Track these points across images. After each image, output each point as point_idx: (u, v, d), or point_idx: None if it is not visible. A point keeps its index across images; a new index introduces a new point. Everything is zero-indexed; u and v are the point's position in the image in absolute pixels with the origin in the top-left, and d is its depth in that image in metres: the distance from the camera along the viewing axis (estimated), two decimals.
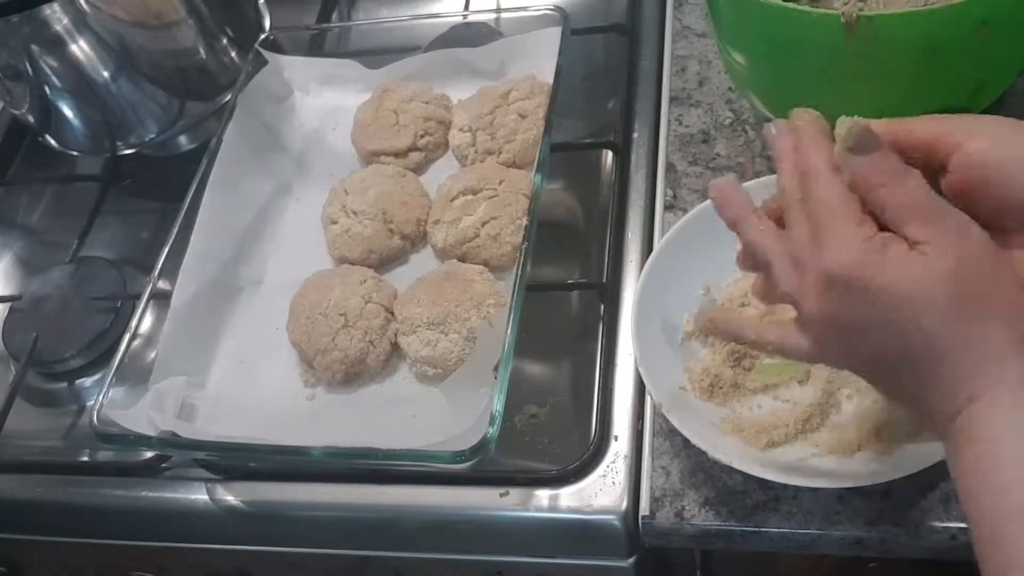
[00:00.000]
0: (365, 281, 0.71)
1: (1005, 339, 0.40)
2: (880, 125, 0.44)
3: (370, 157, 0.82)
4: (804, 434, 0.57)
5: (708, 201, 0.64)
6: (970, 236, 0.40)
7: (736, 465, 0.54)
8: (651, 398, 0.61)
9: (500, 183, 0.74)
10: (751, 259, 0.47)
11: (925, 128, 0.44)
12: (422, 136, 0.81)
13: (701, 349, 0.62)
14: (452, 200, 0.74)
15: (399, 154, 0.81)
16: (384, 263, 0.76)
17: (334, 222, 0.76)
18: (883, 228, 0.41)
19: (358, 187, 0.77)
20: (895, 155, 0.41)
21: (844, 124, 0.41)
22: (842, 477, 0.54)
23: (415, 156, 0.81)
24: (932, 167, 0.45)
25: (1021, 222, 0.43)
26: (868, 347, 0.42)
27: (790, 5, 0.57)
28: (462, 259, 0.72)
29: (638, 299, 0.61)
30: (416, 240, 0.77)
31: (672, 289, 0.63)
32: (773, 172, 0.68)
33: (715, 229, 0.64)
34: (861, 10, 0.55)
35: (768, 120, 0.68)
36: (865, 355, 0.43)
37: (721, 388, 0.59)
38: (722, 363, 0.60)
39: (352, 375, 0.69)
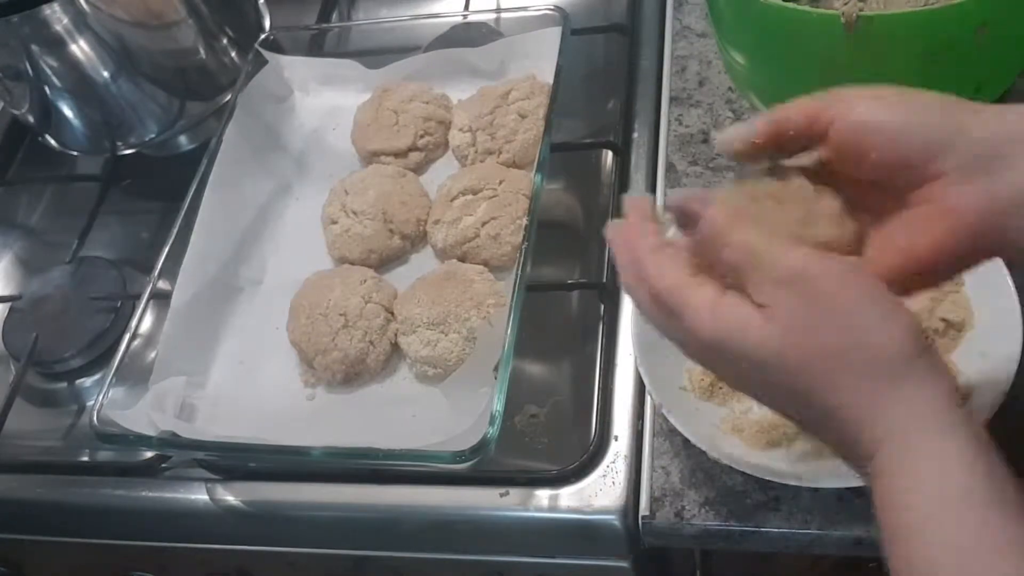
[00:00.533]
0: (365, 281, 0.71)
1: (872, 389, 0.38)
2: (759, 122, 0.44)
3: (370, 157, 0.82)
4: (803, 434, 0.57)
5: None
6: (805, 280, 0.38)
7: (736, 465, 0.54)
8: (651, 398, 0.61)
9: (500, 183, 0.74)
10: None
11: (798, 111, 0.44)
12: (422, 136, 0.81)
13: None
14: (452, 200, 0.74)
15: (399, 154, 0.81)
16: (384, 263, 0.76)
17: (334, 222, 0.76)
18: None
19: (358, 187, 0.77)
20: (715, 218, 0.40)
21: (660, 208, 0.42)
22: (842, 477, 0.54)
23: (415, 156, 0.81)
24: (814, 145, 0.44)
25: (908, 180, 0.42)
26: (769, 401, 0.42)
27: (790, 5, 0.57)
28: (462, 259, 0.72)
29: None
30: (416, 240, 0.77)
31: None
32: None
33: None
34: (861, 10, 0.55)
35: None
36: (773, 406, 0.43)
37: (721, 388, 0.59)
38: None
39: (352, 375, 0.69)
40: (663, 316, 0.42)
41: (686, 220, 0.42)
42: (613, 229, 0.45)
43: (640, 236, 0.43)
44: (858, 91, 0.44)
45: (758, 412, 0.59)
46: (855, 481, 0.53)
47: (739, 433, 0.57)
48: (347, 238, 0.75)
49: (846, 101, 0.43)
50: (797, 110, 0.44)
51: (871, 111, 0.43)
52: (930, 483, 0.37)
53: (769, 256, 0.39)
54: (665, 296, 0.41)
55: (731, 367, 0.41)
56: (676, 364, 0.61)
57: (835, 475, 0.54)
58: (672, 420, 0.56)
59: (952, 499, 0.36)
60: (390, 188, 0.76)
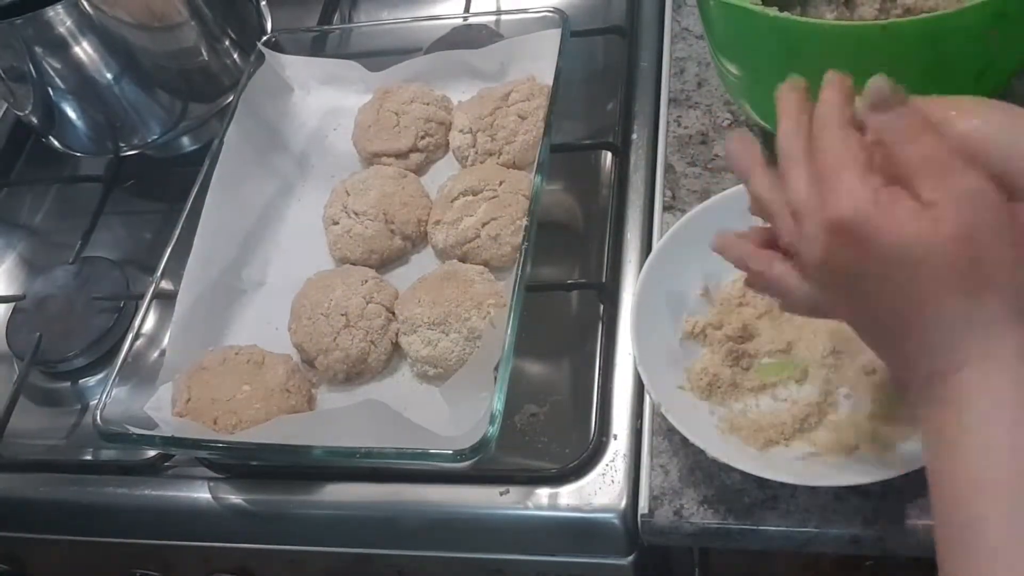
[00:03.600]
0: (366, 281, 0.72)
1: (1003, 310, 0.39)
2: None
3: (371, 158, 0.82)
4: (802, 433, 0.57)
5: (707, 202, 0.65)
6: (983, 200, 0.39)
7: (734, 464, 0.54)
8: (650, 397, 0.61)
9: (500, 184, 0.74)
10: (757, 209, 0.47)
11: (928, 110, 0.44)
12: (422, 137, 0.81)
13: (700, 348, 0.62)
14: (453, 201, 0.74)
15: (400, 155, 0.81)
16: (385, 264, 0.76)
17: (335, 223, 0.77)
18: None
19: (359, 188, 0.77)
20: (916, 112, 0.41)
21: (869, 83, 0.42)
22: (840, 476, 0.54)
23: (416, 157, 0.81)
24: None
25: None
26: (860, 297, 0.42)
27: (783, 15, 0.57)
28: (462, 259, 0.73)
29: (637, 299, 0.62)
30: (417, 241, 0.77)
31: (671, 289, 0.63)
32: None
33: (714, 229, 0.64)
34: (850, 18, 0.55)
35: (763, 126, 0.69)
36: (857, 305, 0.43)
37: (719, 387, 0.60)
38: (720, 362, 0.61)
39: (353, 374, 0.70)
40: (809, 180, 0.42)
41: (879, 104, 0.41)
42: (787, 85, 0.45)
43: (837, 106, 0.43)
44: (984, 105, 0.43)
45: (756, 411, 0.59)
46: (852, 480, 0.53)
47: (737, 432, 0.57)
48: (348, 239, 0.76)
49: (967, 110, 0.43)
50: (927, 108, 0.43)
51: (990, 124, 0.42)
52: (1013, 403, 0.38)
53: (960, 165, 0.40)
54: (832, 162, 0.41)
55: (850, 252, 0.41)
56: (675, 363, 0.61)
57: (833, 474, 0.54)
58: (671, 419, 0.56)
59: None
60: (391, 189, 0.77)
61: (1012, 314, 0.39)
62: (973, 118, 0.42)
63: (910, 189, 0.40)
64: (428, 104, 0.82)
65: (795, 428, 0.57)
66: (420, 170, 0.82)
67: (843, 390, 0.59)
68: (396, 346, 0.70)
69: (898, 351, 0.43)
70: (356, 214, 0.76)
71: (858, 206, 0.40)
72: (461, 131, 0.80)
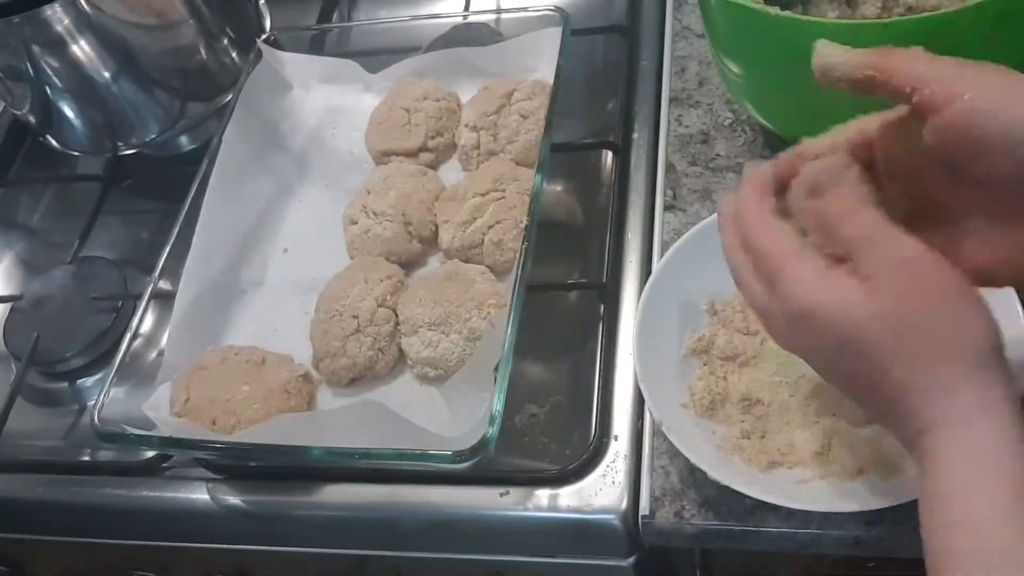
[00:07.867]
0: (384, 280, 0.70)
1: (952, 371, 0.39)
2: (864, 55, 0.44)
3: (380, 157, 0.81)
4: (806, 462, 0.56)
5: (712, 216, 0.64)
6: (919, 266, 0.41)
7: (737, 487, 0.53)
8: (651, 415, 0.60)
9: (512, 183, 0.73)
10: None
11: (907, 73, 0.42)
12: (432, 137, 0.80)
13: (703, 365, 0.61)
14: (463, 201, 0.73)
15: (409, 154, 0.80)
16: (403, 265, 0.75)
17: (354, 222, 0.76)
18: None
19: (380, 187, 0.76)
20: (848, 191, 0.43)
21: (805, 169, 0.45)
22: (844, 501, 0.53)
23: (425, 156, 0.80)
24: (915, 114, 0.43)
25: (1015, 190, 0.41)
26: (834, 372, 0.44)
27: (784, 13, 0.57)
28: (466, 262, 0.72)
29: (642, 312, 0.60)
30: (433, 242, 0.76)
31: (675, 304, 0.62)
32: None
33: (719, 243, 0.63)
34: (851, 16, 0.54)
35: (764, 125, 0.69)
36: (836, 377, 0.45)
37: (723, 406, 0.58)
38: (716, 379, 0.59)
39: (357, 379, 0.69)
40: (760, 284, 0.44)
41: (815, 190, 0.44)
42: (727, 198, 0.47)
43: (756, 204, 0.45)
44: (976, 70, 0.41)
45: (759, 434, 0.58)
46: (857, 506, 0.52)
47: (740, 452, 0.56)
48: (366, 239, 0.74)
49: (960, 79, 0.41)
50: (906, 71, 0.42)
51: (988, 98, 0.40)
52: (980, 466, 0.39)
53: (893, 238, 0.41)
54: (769, 263, 0.43)
55: (812, 338, 0.43)
56: (678, 380, 0.60)
57: (836, 498, 0.53)
58: (672, 439, 0.55)
59: (991, 478, 0.38)
60: (411, 188, 0.75)
61: (959, 373, 0.40)
62: (963, 90, 0.41)
63: (856, 267, 0.41)
64: (439, 101, 0.81)
65: (801, 454, 0.56)
66: (431, 168, 0.81)
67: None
68: (402, 351, 0.70)
69: (876, 413, 0.45)
70: (375, 214, 0.75)
71: (803, 290, 0.42)
72: (467, 126, 0.79)
